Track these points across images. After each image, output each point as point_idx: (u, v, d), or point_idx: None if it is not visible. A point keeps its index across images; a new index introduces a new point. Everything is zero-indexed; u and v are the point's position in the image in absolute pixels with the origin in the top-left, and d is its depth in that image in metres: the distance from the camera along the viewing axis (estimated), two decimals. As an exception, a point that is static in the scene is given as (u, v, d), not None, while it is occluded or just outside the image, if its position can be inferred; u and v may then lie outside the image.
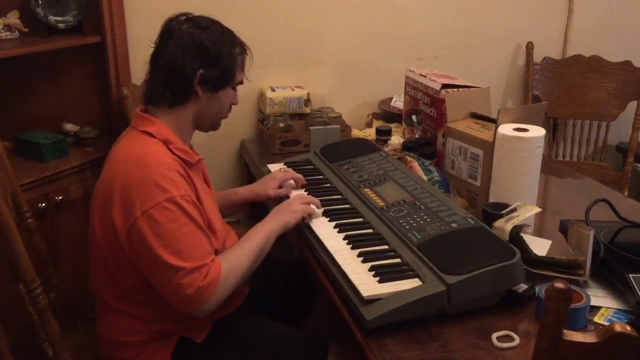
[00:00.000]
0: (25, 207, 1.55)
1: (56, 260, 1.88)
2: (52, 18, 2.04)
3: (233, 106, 1.55)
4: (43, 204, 1.91)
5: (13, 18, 2.00)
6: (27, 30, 2.03)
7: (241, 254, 1.41)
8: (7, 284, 1.43)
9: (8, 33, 1.99)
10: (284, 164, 1.95)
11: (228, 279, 1.35)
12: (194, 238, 1.32)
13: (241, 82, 1.53)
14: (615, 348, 0.82)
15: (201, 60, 1.41)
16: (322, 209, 1.59)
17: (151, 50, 1.46)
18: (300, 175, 1.78)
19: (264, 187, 1.75)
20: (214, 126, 1.55)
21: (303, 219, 1.55)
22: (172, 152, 1.39)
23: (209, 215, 1.42)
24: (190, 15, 1.46)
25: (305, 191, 1.74)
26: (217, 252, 1.41)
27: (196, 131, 1.54)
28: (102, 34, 2.08)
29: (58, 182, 1.97)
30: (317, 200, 1.61)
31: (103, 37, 2.08)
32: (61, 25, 2.05)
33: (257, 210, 2.23)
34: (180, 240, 1.30)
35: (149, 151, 1.37)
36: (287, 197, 1.71)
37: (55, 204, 1.96)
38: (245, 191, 1.79)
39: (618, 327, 0.80)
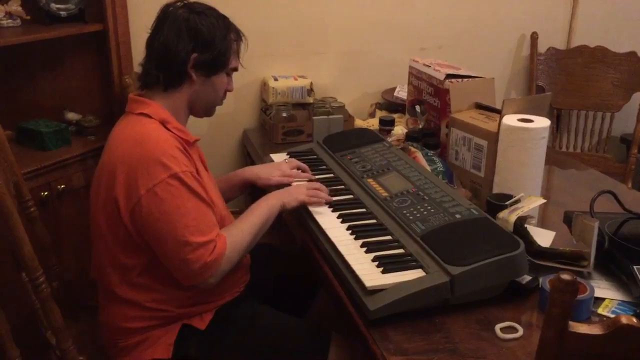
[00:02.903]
0: (28, 195, 1.54)
1: (58, 249, 1.88)
2: (54, 6, 2.03)
3: (236, 96, 1.56)
4: (45, 193, 1.91)
5: (15, 5, 1.99)
6: (28, 17, 2.02)
7: (244, 227, 1.44)
8: (10, 272, 1.42)
9: (10, 21, 1.98)
10: (287, 154, 1.94)
11: (232, 253, 1.39)
12: (200, 212, 1.35)
13: (236, 69, 1.54)
14: (621, 340, 0.81)
15: (195, 44, 1.42)
16: (330, 210, 1.56)
17: (152, 37, 1.47)
18: (309, 175, 1.75)
19: (266, 173, 1.74)
20: (208, 112, 1.56)
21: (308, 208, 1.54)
22: (169, 131, 1.40)
23: (208, 192, 1.43)
24: (186, 1, 1.47)
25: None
26: None
27: (198, 121, 1.54)
28: (104, 22, 2.06)
29: (60, 171, 1.96)
30: (325, 189, 1.59)
31: (105, 25, 2.07)
32: (63, 13, 2.04)
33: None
34: (186, 215, 1.32)
35: (147, 130, 1.39)
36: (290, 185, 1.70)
37: (57, 193, 1.95)
38: (246, 171, 1.78)
39: (624, 319, 0.80)
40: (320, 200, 1.57)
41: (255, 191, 1.83)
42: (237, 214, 2.04)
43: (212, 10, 1.48)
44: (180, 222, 1.32)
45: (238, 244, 1.41)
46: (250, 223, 1.45)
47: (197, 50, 1.43)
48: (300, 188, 1.58)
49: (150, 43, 1.46)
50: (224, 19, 1.49)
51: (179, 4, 1.47)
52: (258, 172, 1.77)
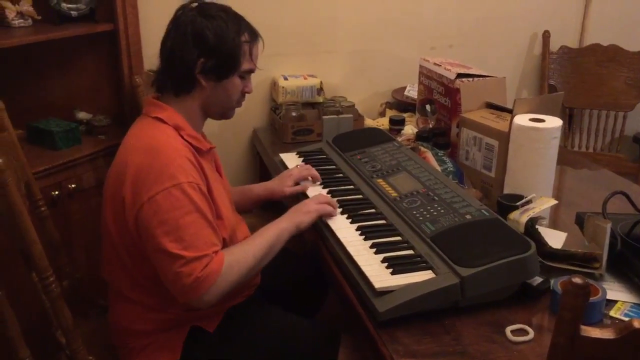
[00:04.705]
0: (39, 195, 1.55)
1: (69, 249, 1.88)
2: (64, 6, 2.03)
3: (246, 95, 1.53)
4: (56, 192, 1.92)
5: (26, 6, 2.00)
6: (39, 18, 2.02)
7: (248, 249, 1.39)
8: (20, 272, 1.43)
9: (21, 21, 1.99)
10: (297, 154, 1.94)
11: (231, 273, 1.33)
12: (198, 227, 1.31)
13: (251, 71, 1.49)
14: (633, 344, 0.80)
15: (201, 49, 1.39)
16: (339, 210, 1.55)
17: (164, 38, 1.46)
18: (317, 173, 1.73)
19: (279, 185, 1.72)
20: (224, 115, 1.52)
21: (321, 218, 1.52)
22: (183, 138, 1.39)
23: (218, 203, 1.41)
24: (200, 3, 1.45)
25: (323, 188, 1.70)
26: (224, 241, 1.40)
27: (209, 121, 1.53)
28: (114, 21, 2.07)
29: (71, 170, 1.97)
30: (334, 201, 1.55)
31: (116, 25, 2.07)
32: (74, 13, 2.04)
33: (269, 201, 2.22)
34: (183, 228, 1.29)
35: (160, 136, 1.37)
36: (305, 194, 1.68)
37: (68, 192, 1.96)
38: (260, 189, 1.76)
39: (636, 324, 0.79)
40: (333, 213, 1.52)
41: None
42: (246, 213, 2.05)
43: (223, 13, 1.43)
44: (176, 234, 1.28)
45: (239, 265, 1.35)
46: (257, 246, 1.40)
47: (203, 55, 1.39)
48: (309, 204, 1.52)
49: (162, 48, 1.44)
50: (236, 20, 1.44)
51: (192, 5, 1.44)
52: (272, 187, 1.74)
